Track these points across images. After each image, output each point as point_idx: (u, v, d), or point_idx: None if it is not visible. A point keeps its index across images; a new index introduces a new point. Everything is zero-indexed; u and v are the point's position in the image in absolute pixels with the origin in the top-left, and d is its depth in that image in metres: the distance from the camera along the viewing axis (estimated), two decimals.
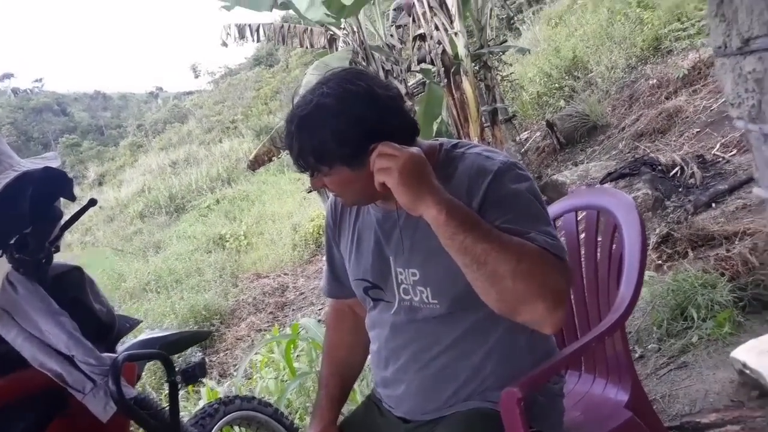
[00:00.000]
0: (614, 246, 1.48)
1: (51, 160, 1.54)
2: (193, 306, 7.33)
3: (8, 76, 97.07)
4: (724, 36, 1.89)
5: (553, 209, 1.64)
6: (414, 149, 1.10)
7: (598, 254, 1.53)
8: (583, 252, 1.60)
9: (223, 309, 7.50)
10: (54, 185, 1.58)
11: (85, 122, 69.59)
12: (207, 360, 6.11)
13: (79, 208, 1.75)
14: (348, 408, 1.88)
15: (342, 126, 1.12)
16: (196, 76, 64.92)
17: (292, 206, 11.78)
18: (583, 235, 1.65)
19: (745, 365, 1.92)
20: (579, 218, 1.66)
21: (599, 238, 1.55)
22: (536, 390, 1.22)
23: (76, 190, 1.70)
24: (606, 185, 4.20)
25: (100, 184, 28.43)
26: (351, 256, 1.38)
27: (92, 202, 1.76)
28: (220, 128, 29.52)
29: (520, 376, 1.21)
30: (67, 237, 17.62)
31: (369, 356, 1.48)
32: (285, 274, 8.29)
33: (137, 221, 18.13)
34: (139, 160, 28.93)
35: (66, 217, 1.69)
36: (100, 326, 1.70)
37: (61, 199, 1.66)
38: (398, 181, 1.05)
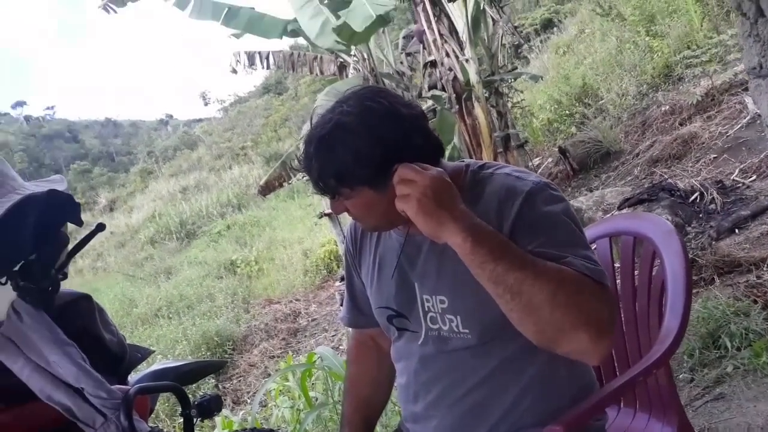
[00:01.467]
0: (654, 274, 1.40)
1: (57, 183, 1.45)
2: (205, 332, 7.24)
3: (21, 103, 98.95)
4: (759, 56, 1.82)
5: (585, 235, 1.57)
6: (437, 170, 1.02)
7: (636, 282, 1.45)
8: (619, 281, 1.52)
9: (236, 335, 7.41)
10: (60, 209, 1.49)
11: (96, 149, 70.36)
12: (220, 387, 6.00)
13: (86, 234, 1.68)
14: None
15: (363, 145, 1.05)
16: (206, 104, 65.74)
17: (303, 232, 11.73)
18: (618, 264, 1.57)
19: None
20: (614, 245, 1.58)
21: (636, 266, 1.47)
22: (579, 428, 1.13)
23: (87, 216, 1.64)
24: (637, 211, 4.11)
25: (111, 209, 28.55)
26: (373, 282, 1.31)
27: (100, 227, 1.68)
28: (230, 155, 29.70)
29: (559, 412, 1.13)
30: (78, 262, 17.71)
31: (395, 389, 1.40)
32: (297, 299, 8.21)
33: (148, 247, 18.08)
34: (149, 186, 29.07)
35: (74, 243, 1.62)
36: (111, 357, 1.62)
37: (69, 224, 1.59)
38: (417, 209, 0.98)
